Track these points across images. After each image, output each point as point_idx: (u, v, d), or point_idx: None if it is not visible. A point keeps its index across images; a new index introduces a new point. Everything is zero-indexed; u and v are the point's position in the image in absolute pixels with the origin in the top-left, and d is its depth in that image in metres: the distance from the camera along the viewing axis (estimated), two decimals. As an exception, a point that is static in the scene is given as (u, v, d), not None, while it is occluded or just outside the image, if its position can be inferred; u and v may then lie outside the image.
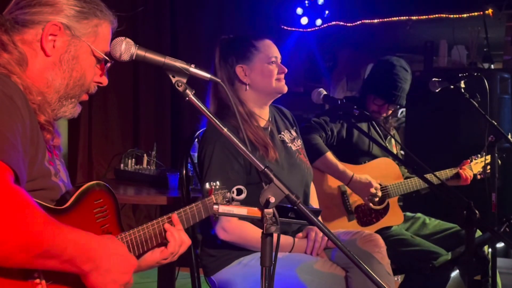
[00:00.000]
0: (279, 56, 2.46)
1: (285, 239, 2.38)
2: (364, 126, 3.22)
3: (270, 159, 2.34)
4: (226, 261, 2.35)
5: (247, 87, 2.41)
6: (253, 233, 2.29)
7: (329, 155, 2.99)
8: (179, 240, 1.68)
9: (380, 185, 3.09)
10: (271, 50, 2.45)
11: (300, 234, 2.43)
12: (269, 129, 2.48)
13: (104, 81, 1.64)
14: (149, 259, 1.68)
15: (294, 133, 2.60)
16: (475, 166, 3.34)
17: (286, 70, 2.45)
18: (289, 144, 2.52)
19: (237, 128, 2.25)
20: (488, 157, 3.21)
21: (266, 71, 2.41)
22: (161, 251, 1.68)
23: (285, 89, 2.45)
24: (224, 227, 2.27)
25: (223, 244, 2.34)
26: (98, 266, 1.36)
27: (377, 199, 3.04)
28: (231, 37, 2.50)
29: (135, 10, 5.41)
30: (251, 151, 2.26)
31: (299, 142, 2.59)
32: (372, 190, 2.97)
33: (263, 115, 2.49)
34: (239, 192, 1.73)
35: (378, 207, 3.09)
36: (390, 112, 3.29)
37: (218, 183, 1.83)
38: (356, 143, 3.19)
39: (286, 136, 2.54)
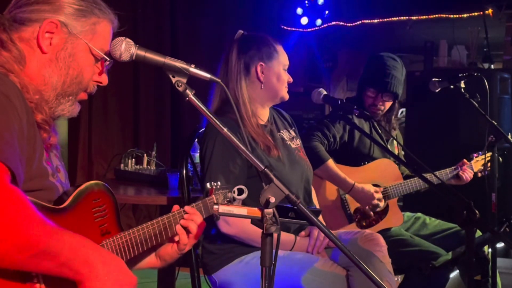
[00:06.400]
0: (288, 64, 2.52)
1: (287, 237, 2.39)
2: (366, 128, 3.22)
3: (272, 155, 2.37)
4: (227, 259, 2.36)
5: (262, 85, 2.44)
6: (255, 227, 2.29)
7: (330, 163, 2.99)
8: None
9: (380, 186, 3.09)
10: (285, 56, 2.51)
11: (302, 233, 2.44)
12: (268, 127, 2.50)
13: (104, 80, 1.64)
14: (170, 251, 1.74)
15: (293, 133, 2.62)
16: (476, 164, 3.34)
17: (292, 80, 2.51)
18: (288, 142, 2.54)
19: (237, 122, 2.26)
20: (489, 154, 3.21)
21: (281, 76, 2.47)
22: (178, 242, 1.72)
23: (287, 97, 2.51)
24: (226, 219, 2.27)
25: (225, 241, 2.35)
26: (96, 271, 1.33)
27: (378, 209, 3.03)
28: (251, 33, 2.52)
29: (135, 11, 5.42)
30: (253, 147, 2.35)
31: (298, 141, 2.61)
32: (375, 202, 2.98)
33: (264, 115, 2.52)
34: (240, 192, 1.73)
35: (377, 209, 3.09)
36: (387, 104, 3.23)
37: (219, 183, 1.84)
38: (358, 147, 3.18)
39: (285, 134, 2.56)
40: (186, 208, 1.72)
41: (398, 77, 3.22)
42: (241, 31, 2.51)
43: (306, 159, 2.58)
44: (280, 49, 2.49)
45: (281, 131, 2.56)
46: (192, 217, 1.71)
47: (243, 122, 2.35)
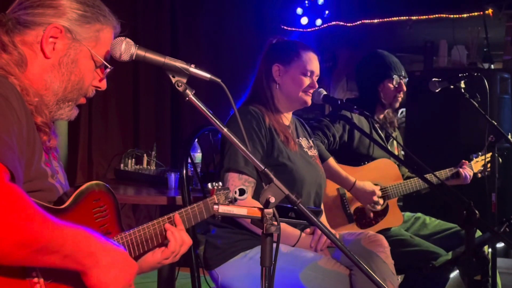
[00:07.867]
0: (316, 72, 2.60)
1: (292, 231, 2.42)
2: (366, 128, 3.21)
3: (290, 148, 2.46)
4: (231, 254, 2.38)
5: (277, 86, 2.54)
6: None
7: (331, 161, 2.99)
8: (179, 240, 1.68)
9: (379, 186, 3.09)
10: (311, 63, 2.57)
11: (308, 230, 2.46)
12: (291, 129, 2.57)
13: (103, 85, 1.64)
14: (150, 259, 1.69)
15: (311, 143, 2.70)
16: (476, 165, 3.34)
17: (317, 86, 2.58)
18: (306, 149, 2.61)
19: (262, 112, 2.45)
20: (489, 155, 3.21)
21: (297, 80, 2.54)
22: (162, 251, 1.68)
23: (309, 103, 2.58)
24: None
25: (227, 238, 2.39)
26: (99, 261, 1.36)
27: (379, 207, 3.03)
28: (282, 39, 2.65)
29: (135, 11, 5.41)
30: (274, 138, 2.43)
31: (315, 151, 2.68)
32: (375, 198, 2.98)
33: (286, 117, 2.61)
34: (242, 192, 1.73)
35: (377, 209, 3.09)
36: (404, 88, 3.30)
37: (220, 183, 1.84)
38: (357, 147, 3.18)
39: (304, 142, 2.64)
40: (176, 219, 1.70)
41: (398, 61, 3.30)
42: (278, 37, 2.63)
43: (321, 168, 2.65)
44: (305, 55, 2.55)
45: (300, 138, 2.63)
46: (180, 227, 1.70)
47: (267, 113, 2.47)
